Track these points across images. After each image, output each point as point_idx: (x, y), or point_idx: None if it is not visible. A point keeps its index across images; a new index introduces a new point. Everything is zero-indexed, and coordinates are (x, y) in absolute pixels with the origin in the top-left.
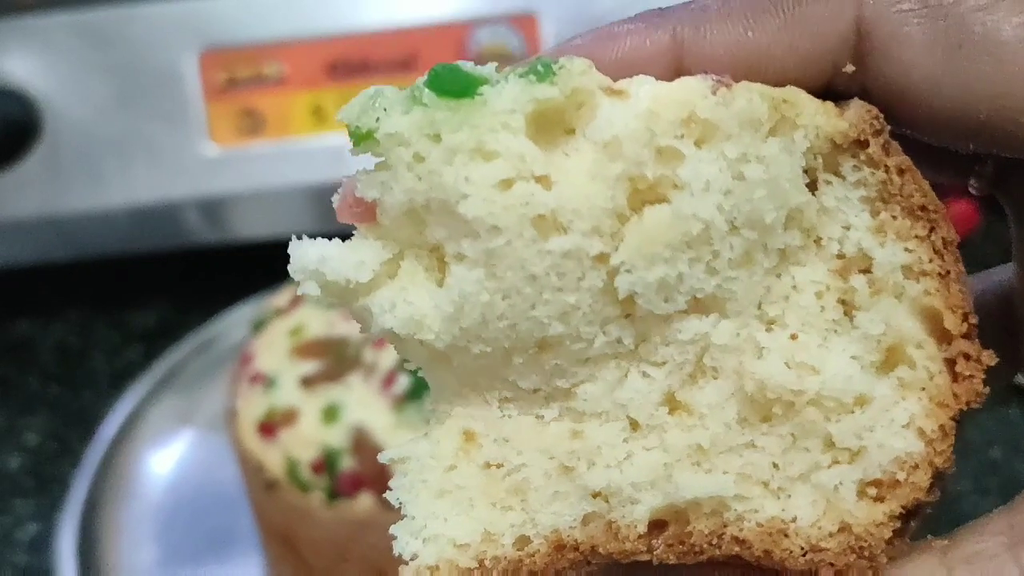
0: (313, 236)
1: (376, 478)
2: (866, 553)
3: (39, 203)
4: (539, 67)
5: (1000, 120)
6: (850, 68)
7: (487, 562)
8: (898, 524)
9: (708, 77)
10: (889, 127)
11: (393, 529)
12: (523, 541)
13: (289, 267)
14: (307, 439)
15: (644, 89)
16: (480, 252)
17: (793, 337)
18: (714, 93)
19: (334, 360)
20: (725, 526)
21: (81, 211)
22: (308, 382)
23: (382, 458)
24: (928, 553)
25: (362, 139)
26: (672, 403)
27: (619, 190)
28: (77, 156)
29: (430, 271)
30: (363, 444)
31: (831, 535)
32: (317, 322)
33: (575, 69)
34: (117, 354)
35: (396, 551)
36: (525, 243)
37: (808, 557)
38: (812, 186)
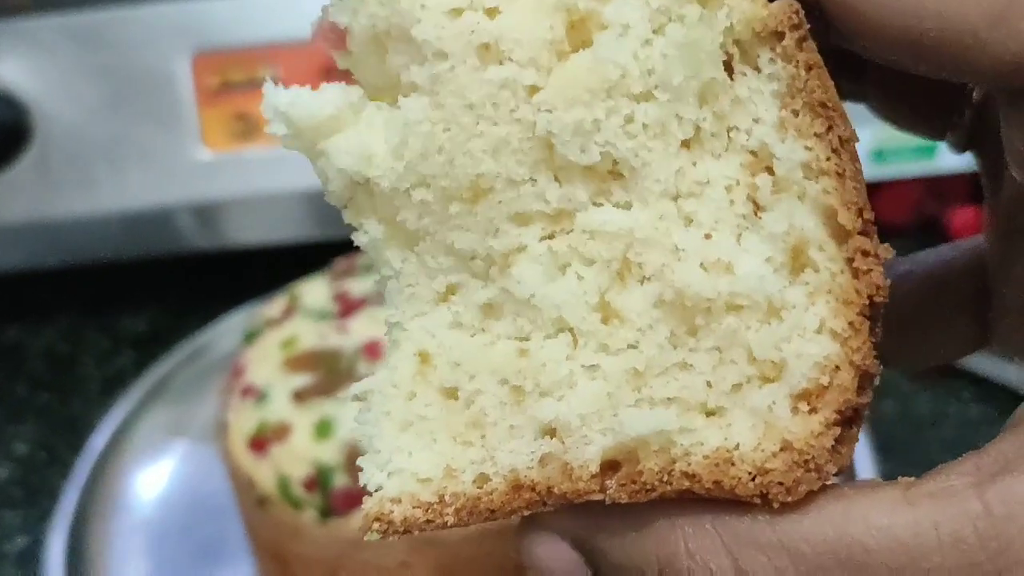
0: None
1: None
2: (811, 466)
3: (29, 207)
4: None
5: (947, 40)
6: None
7: (447, 497)
8: (838, 431)
9: None
10: (808, 25)
11: (359, 461)
12: (482, 479)
13: (260, 107)
14: (299, 455)
15: None
16: (427, 78)
17: (707, 236)
18: None
19: (327, 373)
20: (674, 462)
21: (72, 216)
22: (300, 396)
23: (347, 398)
24: (893, 487)
25: None
26: (604, 309)
27: (557, 20)
28: (68, 160)
29: (390, 122)
30: (357, 461)
31: (774, 455)
32: (310, 334)
33: None
34: (108, 360)
35: (361, 483)
36: (467, 70)
37: (757, 481)
38: (730, 75)
